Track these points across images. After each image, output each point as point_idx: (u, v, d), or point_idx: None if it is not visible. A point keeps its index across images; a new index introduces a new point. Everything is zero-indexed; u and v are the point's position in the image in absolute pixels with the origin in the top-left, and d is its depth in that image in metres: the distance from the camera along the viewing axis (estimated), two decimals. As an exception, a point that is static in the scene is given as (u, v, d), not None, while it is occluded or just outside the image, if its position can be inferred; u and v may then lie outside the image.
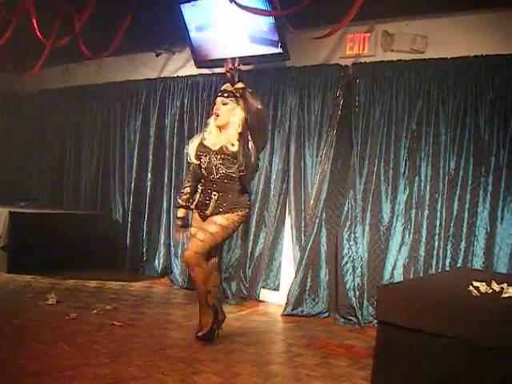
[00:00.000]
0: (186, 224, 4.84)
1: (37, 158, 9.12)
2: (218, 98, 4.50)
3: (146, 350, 4.22)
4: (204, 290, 4.52)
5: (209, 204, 4.47)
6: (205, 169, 4.48)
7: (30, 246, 6.58)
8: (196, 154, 4.53)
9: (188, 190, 4.71)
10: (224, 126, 4.46)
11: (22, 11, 6.38)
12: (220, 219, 4.44)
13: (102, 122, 8.16)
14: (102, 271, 7.05)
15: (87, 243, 7.19)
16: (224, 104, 4.45)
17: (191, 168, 4.70)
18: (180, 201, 4.75)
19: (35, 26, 6.48)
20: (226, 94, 4.46)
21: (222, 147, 4.41)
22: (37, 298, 5.57)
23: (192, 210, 4.69)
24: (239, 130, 4.40)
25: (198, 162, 4.52)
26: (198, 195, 4.58)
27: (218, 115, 4.45)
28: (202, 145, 4.53)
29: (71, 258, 6.83)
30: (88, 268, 6.92)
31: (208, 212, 4.48)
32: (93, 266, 7.03)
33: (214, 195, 4.46)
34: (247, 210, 4.57)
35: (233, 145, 4.38)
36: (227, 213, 4.44)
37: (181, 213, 4.79)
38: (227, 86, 4.53)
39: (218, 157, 4.41)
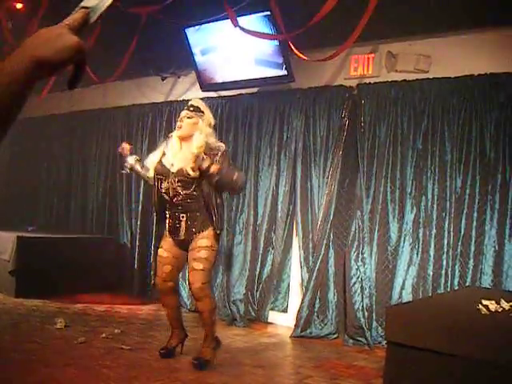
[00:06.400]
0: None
1: (44, 182, 9.15)
2: (183, 112, 4.41)
3: (155, 374, 4.20)
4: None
5: (180, 228, 4.37)
6: (166, 193, 4.38)
7: (37, 270, 6.56)
8: (155, 176, 4.45)
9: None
10: (186, 139, 4.36)
11: (28, 35, 6.45)
12: (202, 242, 4.31)
13: (109, 147, 8.19)
14: (110, 295, 7.06)
15: (95, 267, 7.18)
16: (189, 117, 4.34)
17: (153, 192, 4.55)
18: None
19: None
20: (191, 109, 4.37)
21: (181, 169, 4.30)
22: (45, 322, 5.56)
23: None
24: (198, 150, 4.26)
25: (157, 184, 4.44)
26: (167, 220, 4.47)
27: (180, 127, 4.36)
28: (160, 164, 4.44)
29: (79, 281, 6.83)
30: (96, 292, 6.93)
31: (182, 236, 4.38)
32: (101, 289, 7.03)
33: (183, 217, 4.36)
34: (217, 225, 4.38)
35: (193, 169, 4.23)
36: (202, 231, 4.34)
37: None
38: (194, 101, 4.47)
39: (177, 179, 4.30)
